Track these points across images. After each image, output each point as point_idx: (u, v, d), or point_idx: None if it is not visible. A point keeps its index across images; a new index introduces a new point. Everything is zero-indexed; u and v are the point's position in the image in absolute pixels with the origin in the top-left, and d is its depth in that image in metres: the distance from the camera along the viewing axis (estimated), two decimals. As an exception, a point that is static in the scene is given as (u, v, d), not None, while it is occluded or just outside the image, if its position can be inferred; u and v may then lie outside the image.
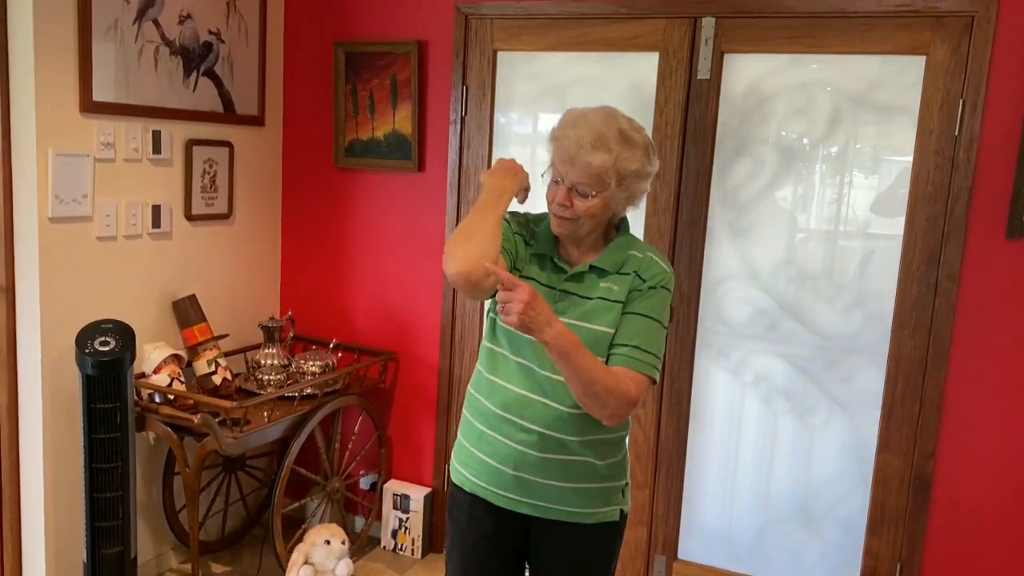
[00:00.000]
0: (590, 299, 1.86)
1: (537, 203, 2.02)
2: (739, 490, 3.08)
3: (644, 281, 1.86)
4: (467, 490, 2.01)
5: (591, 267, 1.89)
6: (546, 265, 1.92)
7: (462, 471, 2.02)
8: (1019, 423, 2.66)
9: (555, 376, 1.81)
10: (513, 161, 1.95)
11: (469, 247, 1.74)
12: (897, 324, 2.77)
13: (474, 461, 1.98)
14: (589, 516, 1.94)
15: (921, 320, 2.74)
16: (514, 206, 1.96)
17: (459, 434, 2.06)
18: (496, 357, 1.95)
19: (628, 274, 1.87)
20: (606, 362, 1.82)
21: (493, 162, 3.19)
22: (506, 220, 1.94)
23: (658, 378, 1.86)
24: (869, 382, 2.85)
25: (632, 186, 1.84)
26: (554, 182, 1.85)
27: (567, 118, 1.84)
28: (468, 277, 1.71)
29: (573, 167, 1.79)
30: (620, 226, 1.95)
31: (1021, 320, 2.63)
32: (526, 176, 1.94)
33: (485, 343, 1.98)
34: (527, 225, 1.98)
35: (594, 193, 1.80)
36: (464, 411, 2.05)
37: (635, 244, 1.93)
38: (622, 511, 1.99)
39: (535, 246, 1.94)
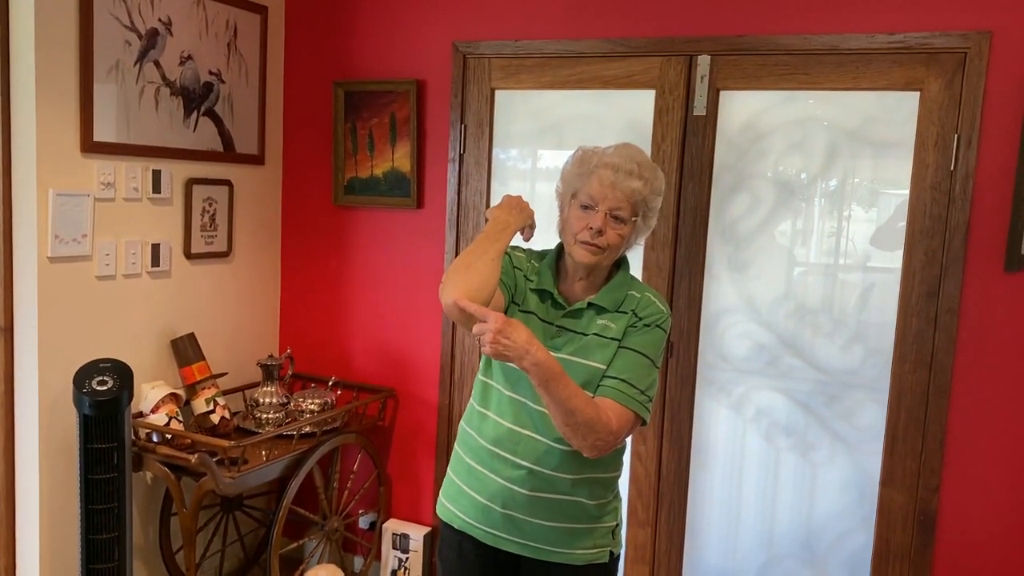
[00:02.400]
0: (586, 335, 1.87)
1: (541, 241, 2.03)
2: (742, 527, 3.05)
3: (640, 319, 1.86)
4: (455, 527, 1.99)
5: (589, 304, 1.89)
6: (546, 300, 1.93)
7: (450, 507, 2.01)
8: (1023, 456, 2.64)
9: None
10: (520, 198, 1.97)
11: (468, 278, 1.76)
12: (898, 358, 2.76)
13: (463, 497, 1.97)
14: (577, 557, 1.91)
15: (922, 354, 2.73)
16: (519, 242, 1.99)
17: (449, 469, 2.05)
18: (489, 391, 1.94)
19: (626, 312, 1.87)
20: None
21: (492, 199, 3.22)
22: (507, 255, 1.95)
23: (648, 418, 1.83)
24: (871, 417, 2.83)
25: (650, 221, 1.90)
26: (583, 207, 1.84)
27: (593, 151, 1.87)
28: (464, 309, 1.72)
29: (615, 191, 1.81)
30: (620, 265, 1.95)
31: (1021, 353, 2.62)
32: (531, 214, 1.97)
33: (480, 377, 1.98)
34: (529, 261, 1.99)
35: (630, 220, 1.83)
36: (455, 446, 2.04)
37: (634, 284, 1.94)
38: (612, 553, 1.96)
39: (536, 281, 1.95)
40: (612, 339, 1.85)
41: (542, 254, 2.01)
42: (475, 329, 1.68)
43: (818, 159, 2.83)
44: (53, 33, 2.62)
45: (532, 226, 1.97)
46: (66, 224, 2.71)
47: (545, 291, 1.93)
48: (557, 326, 1.89)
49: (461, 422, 2.03)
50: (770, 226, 2.91)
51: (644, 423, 1.83)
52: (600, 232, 1.81)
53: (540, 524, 1.88)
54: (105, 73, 2.78)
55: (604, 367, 1.83)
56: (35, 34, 2.57)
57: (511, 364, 1.79)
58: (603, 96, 3.06)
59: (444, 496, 2.04)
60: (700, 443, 3.05)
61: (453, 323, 3.32)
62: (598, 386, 1.82)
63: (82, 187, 2.75)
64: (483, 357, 1.98)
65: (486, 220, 1.93)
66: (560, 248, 1.97)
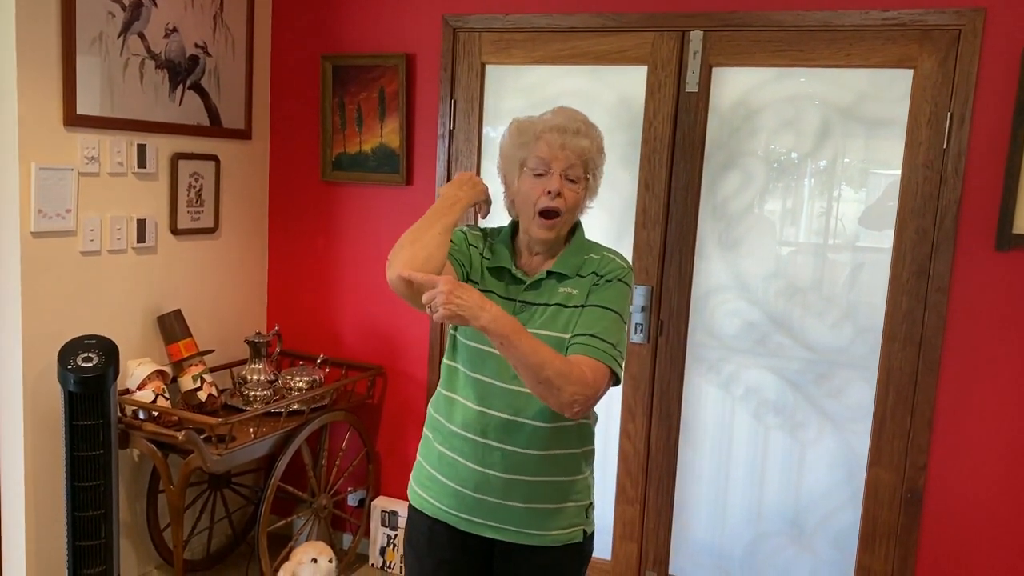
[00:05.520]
0: (549, 305, 1.84)
1: (498, 219, 2.01)
2: (730, 505, 3.06)
3: (602, 276, 1.84)
4: (427, 514, 1.96)
5: (549, 273, 1.86)
6: (504, 277, 1.90)
7: (421, 494, 1.97)
8: (1010, 435, 2.65)
9: (517, 388, 1.78)
10: (472, 174, 1.96)
11: (412, 252, 1.73)
12: (887, 337, 2.76)
13: (434, 484, 1.94)
14: (552, 538, 1.89)
15: (911, 333, 2.73)
16: (481, 220, 1.96)
17: (419, 454, 2.02)
18: (455, 375, 1.92)
19: (587, 276, 1.84)
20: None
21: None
22: (463, 232, 1.94)
23: (620, 374, 1.79)
24: (860, 396, 2.84)
25: (598, 178, 1.89)
26: (537, 175, 1.82)
27: (535, 119, 1.86)
28: (408, 283, 1.70)
29: (565, 152, 1.80)
30: (574, 231, 1.93)
31: (1011, 332, 2.62)
32: (484, 189, 1.94)
33: (445, 361, 1.96)
34: (485, 239, 1.96)
35: (582, 179, 1.83)
36: (424, 431, 2.01)
37: (592, 247, 1.91)
38: (585, 531, 1.94)
39: (492, 259, 1.91)
40: (576, 307, 1.82)
41: (496, 231, 1.98)
42: (425, 297, 1.63)
43: (810, 137, 2.81)
44: (34, 4, 2.56)
45: (487, 202, 1.95)
46: (50, 199, 2.67)
47: (503, 268, 1.90)
48: (520, 301, 1.86)
49: (428, 407, 2.00)
50: (761, 204, 2.90)
51: (617, 380, 1.79)
52: (559, 194, 1.80)
53: (513, 506, 1.86)
54: (88, 45, 2.73)
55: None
56: (16, 4, 2.51)
57: (473, 342, 1.76)
58: (595, 72, 3.03)
59: (415, 482, 2.01)
60: (689, 421, 3.06)
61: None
62: (568, 347, 1.78)
63: (65, 161, 2.71)
64: (449, 340, 1.95)
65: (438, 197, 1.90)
66: (514, 225, 1.94)
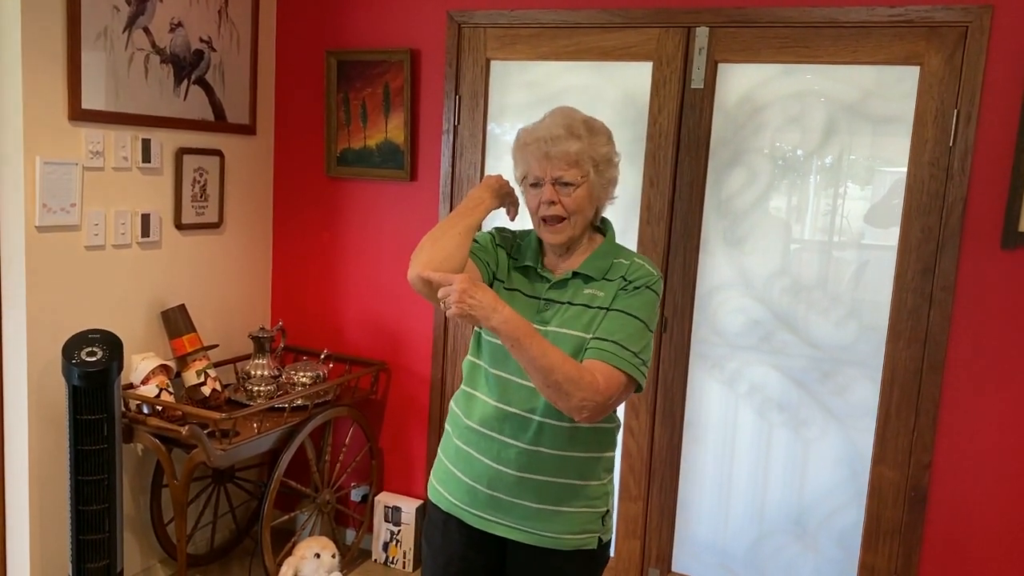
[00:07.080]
0: (573, 305, 1.83)
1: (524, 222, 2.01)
2: (733, 502, 3.05)
3: (630, 282, 1.82)
4: (442, 508, 1.97)
5: (574, 274, 1.86)
6: (530, 276, 1.91)
7: (439, 488, 1.98)
8: (1015, 434, 2.65)
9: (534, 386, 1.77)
10: (500, 177, 1.96)
11: (432, 252, 1.75)
12: (892, 335, 2.75)
13: (451, 479, 1.94)
14: (563, 542, 1.87)
15: (916, 331, 2.72)
16: (505, 223, 1.99)
17: (439, 450, 2.03)
18: (478, 371, 1.92)
19: (613, 280, 1.83)
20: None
21: (485, 172, 3.19)
22: (491, 234, 1.96)
23: (643, 383, 1.77)
24: (864, 394, 2.83)
25: (607, 172, 1.85)
26: (533, 186, 1.83)
27: (527, 129, 1.87)
28: (427, 281, 1.72)
29: (551, 161, 1.79)
30: (605, 231, 1.93)
31: (1016, 330, 2.61)
32: (511, 192, 1.95)
33: (469, 358, 1.96)
34: (512, 240, 1.98)
35: (579, 180, 1.79)
36: (446, 426, 2.02)
37: (621, 251, 1.90)
38: (600, 539, 1.92)
39: (520, 259, 1.93)
40: (600, 308, 1.81)
41: (524, 232, 1.99)
42: (440, 292, 1.66)
43: (815, 134, 2.80)
44: (39, -3, 2.57)
45: (515, 204, 1.95)
46: (54, 193, 2.67)
47: (529, 267, 1.91)
48: (544, 300, 1.86)
49: (450, 403, 2.01)
50: (766, 202, 2.89)
51: (639, 388, 1.78)
52: (552, 202, 1.79)
53: (526, 506, 1.85)
54: (93, 39, 2.73)
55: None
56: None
57: (497, 339, 1.77)
58: (600, 68, 3.02)
59: (434, 477, 2.02)
60: (693, 418, 3.05)
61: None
62: (585, 350, 1.77)
63: (70, 155, 2.71)
64: (473, 338, 1.96)
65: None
66: None
